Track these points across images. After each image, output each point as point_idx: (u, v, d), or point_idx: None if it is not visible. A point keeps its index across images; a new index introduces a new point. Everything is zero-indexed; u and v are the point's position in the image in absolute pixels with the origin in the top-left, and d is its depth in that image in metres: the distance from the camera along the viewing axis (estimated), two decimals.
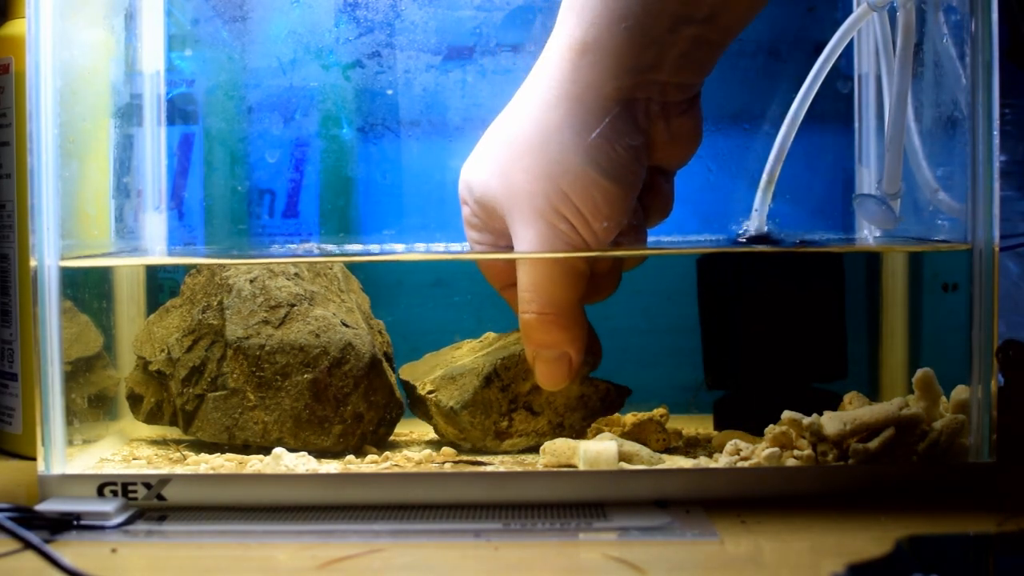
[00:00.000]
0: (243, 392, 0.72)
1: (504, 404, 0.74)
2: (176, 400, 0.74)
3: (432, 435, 0.78)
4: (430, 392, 0.75)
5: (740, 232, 0.75)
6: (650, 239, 0.74)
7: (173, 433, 0.77)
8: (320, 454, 0.70)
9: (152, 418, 0.76)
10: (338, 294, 0.77)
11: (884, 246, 0.82)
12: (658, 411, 0.78)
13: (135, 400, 0.76)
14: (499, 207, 0.69)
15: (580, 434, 0.73)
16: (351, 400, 0.72)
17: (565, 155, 0.67)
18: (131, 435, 0.78)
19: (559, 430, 0.74)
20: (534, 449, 0.73)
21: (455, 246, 0.77)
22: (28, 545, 0.54)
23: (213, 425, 0.73)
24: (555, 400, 0.74)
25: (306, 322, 0.73)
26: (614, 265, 0.74)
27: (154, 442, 0.77)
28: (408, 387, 0.77)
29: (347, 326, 0.73)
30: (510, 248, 0.69)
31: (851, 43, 0.77)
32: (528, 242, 0.68)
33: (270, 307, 0.73)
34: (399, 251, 0.78)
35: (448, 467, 0.69)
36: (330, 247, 0.83)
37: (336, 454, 0.71)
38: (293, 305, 0.73)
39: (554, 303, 0.69)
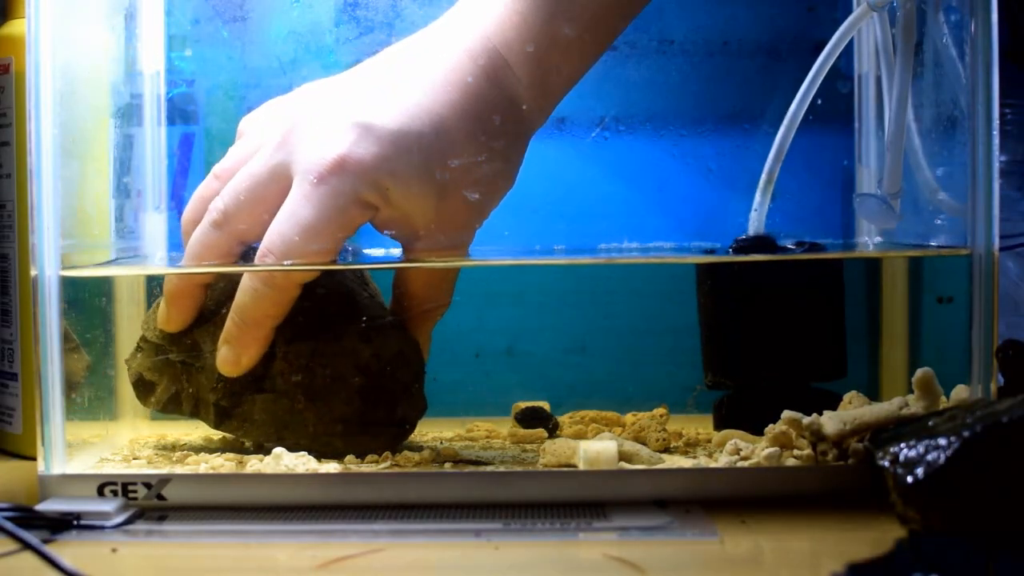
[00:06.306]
0: (293, 395, 0.70)
1: None
2: (208, 395, 0.71)
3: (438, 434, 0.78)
4: None
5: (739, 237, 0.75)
6: (650, 243, 0.74)
7: (173, 433, 0.77)
8: (362, 455, 0.69)
9: (169, 407, 0.73)
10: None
11: (883, 252, 0.82)
12: (658, 411, 0.78)
13: (145, 387, 0.73)
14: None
15: None
16: (400, 406, 0.71)
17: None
18: (131, 435, 0.78)
19: None
20: None
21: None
22: (27, 546, 0.54)
23: (259, 428, 0.71)
24: None
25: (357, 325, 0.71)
26: None
27: (156, 446, 0.77)
28: None
29: (396, 329, 0.71)
30: None
31: (851, 43, 0.77)
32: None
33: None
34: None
35: (448, 467, 0.69)
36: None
37: (360, 454, 0.70)
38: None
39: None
